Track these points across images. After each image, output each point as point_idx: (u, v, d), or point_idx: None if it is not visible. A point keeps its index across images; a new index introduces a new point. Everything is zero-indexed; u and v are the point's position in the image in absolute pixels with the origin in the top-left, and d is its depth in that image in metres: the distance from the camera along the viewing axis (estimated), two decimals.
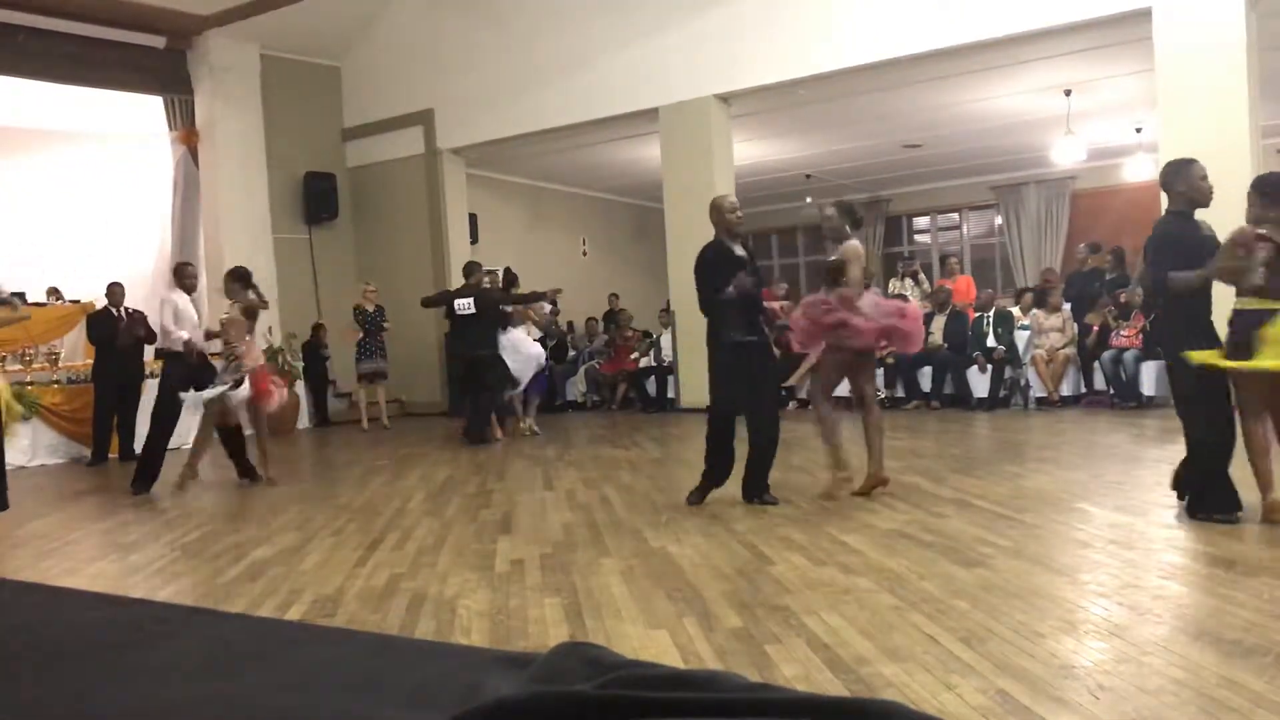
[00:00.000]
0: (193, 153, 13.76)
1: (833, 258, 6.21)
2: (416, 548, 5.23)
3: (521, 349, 10.83)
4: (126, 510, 7.17)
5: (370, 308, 12.89)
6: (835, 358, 6.20)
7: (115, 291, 10.46)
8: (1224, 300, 4.84)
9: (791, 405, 12.33)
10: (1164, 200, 5.19)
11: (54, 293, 12.76)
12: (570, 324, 16.21)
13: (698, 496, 6.07)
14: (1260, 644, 3.01)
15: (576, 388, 14.62)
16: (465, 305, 10.48)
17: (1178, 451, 5.59)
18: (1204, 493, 4.83)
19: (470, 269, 10.97)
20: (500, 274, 12.22)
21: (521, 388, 10.93)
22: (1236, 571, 3.84)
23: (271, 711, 2.85)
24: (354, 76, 15.27)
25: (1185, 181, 5.03)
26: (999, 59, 11.08)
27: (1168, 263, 4.85)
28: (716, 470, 6.09)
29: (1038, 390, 11.05)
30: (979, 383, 11.23)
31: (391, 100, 14.71)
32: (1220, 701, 2.59)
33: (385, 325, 12.94)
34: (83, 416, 10.67)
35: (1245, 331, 4.60)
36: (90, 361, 10.95)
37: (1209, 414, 4.79)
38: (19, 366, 11.08)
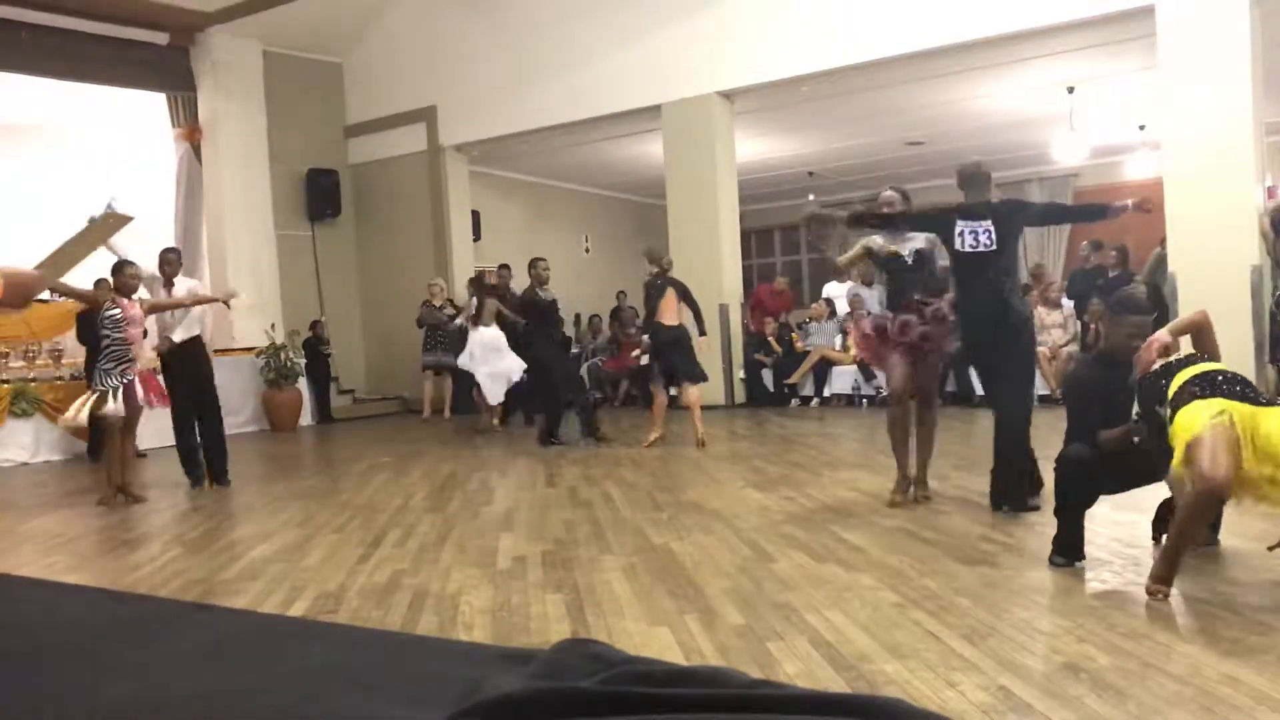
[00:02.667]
0: (195, 149, 13.77)
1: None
2: (419, 544, 5.24)
3: (502, 359, 10.95)
4: (129, 507, 7.17)
5: (438, 303, 12.86)
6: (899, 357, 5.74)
7: (102, 289, 10.31)
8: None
9: (794, 403, 12.34)
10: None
11: (56, 290, 12.76)
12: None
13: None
14: (1262, 642, 3.02)
15: None
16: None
17: None
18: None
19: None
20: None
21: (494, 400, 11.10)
22: (1238, 570, 3.84)
23: (274, 707, 2.85)
24: (356, 73, 15.27)
25: (1113, 330, 4.28)
26: (1002, 56, 11.06)
27: (1088, 412, 4.20)
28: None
29: (1040, 388, 11.04)
30: None
31: (394, 97, 14.72)
32: (1222, 699, 2.59)
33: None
34: None
35: None
36: None
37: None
38: (22, 363, 11.09)
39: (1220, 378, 3.61)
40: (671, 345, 8.97)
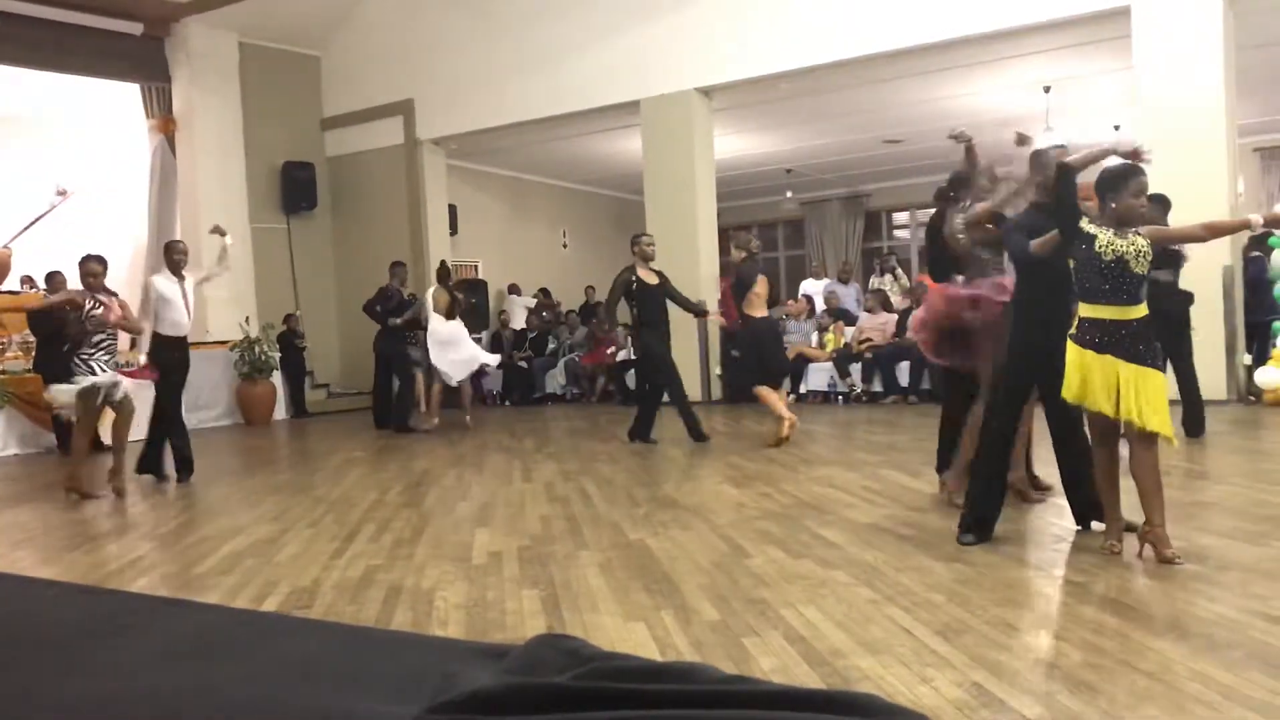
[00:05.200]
0: (170, 141, 13.66)
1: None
2: (393, 539, 5.22)
3: (463, 348, 10.86)
4: (101, 501, 7.11)
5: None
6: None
7: (58, 281, 10.18)
8: None
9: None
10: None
11: (28, 281, 12.63)
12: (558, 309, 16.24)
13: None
14: (1231, 638, 3.04)
15: (556, 380, 14.61)
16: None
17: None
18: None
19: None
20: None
21: (454, 381, 10.90)
22: (1209, 566, 3.87)
23: (246, 702, 2.83)
24: (334, 66, 15.19)
25: (1039, 170, 4.62)
26: (979, 55, 11.13)
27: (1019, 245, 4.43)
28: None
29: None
30: None
31: (371, 90, 14.64)
32: (1191, 695, 2.61)
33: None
34: None
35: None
36: None
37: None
38: None
39: (1124, 333, 3.97)
40: (772, 339, 8.42)
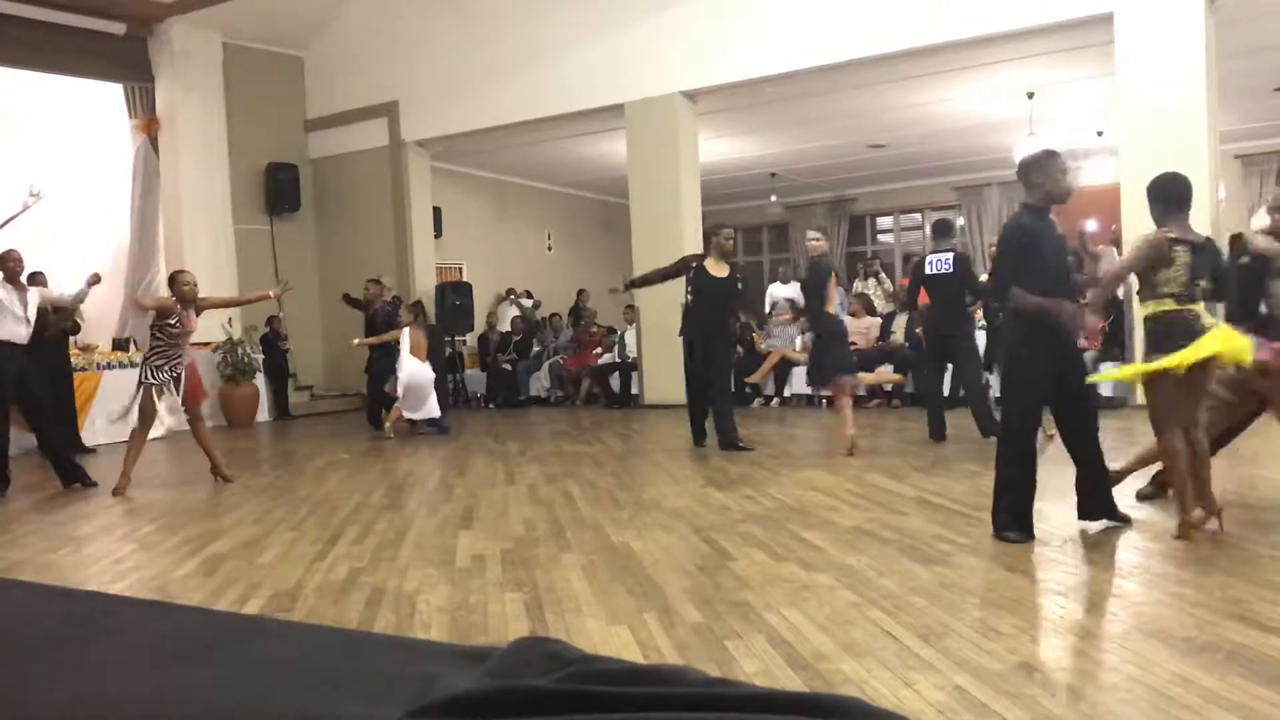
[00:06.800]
0: (153, 141, 13.58)
1: None
2: (376, 542, 5.20)
3: (426, 394, 10.56)
4: (82, 502, 7.07)
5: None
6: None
7: (38, 282, 10.13)
8: None
9: (756, 403, 12.38)
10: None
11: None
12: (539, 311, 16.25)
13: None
14: (1212, 641, 3.06)
15: (540, 383, 14.59)
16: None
17: (1132, 451, 5.68)
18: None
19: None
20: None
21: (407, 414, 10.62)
22: (1190, 570, 3.90)
23: (227, 705, 2.82)
24: (318, 66, 15.13)
25: (1044, 174, 4.74)
26: (964, 61, 11.17)
27: (1011, 265, 4.63)
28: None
29: (998, 390, 11.12)
30: None
31: (356, 91, 14.60)
32: (1173, 698, 2.62)
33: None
34: None
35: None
36: None
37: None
38: None
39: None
40: (837, 338, 8.03)
